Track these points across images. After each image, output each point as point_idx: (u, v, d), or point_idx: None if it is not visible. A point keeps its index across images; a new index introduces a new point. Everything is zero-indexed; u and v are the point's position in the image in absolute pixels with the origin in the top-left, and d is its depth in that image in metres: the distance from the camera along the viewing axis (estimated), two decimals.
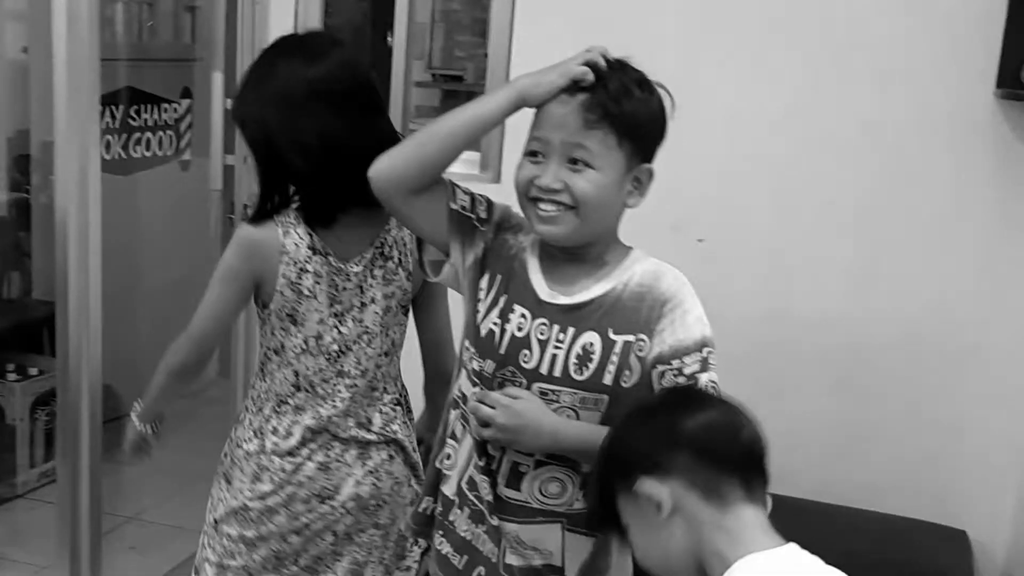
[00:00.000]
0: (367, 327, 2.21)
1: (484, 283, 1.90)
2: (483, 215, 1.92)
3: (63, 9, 2.87)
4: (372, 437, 2.24)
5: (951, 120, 3.14)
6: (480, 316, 1.88)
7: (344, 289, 2.17)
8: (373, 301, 2.20)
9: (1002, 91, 3.00)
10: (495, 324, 1.85)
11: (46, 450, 4.24)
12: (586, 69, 1.75)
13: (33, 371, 4.29)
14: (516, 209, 1.92)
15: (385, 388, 2.28)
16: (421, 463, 2.33)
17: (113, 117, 4.53)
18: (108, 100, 4.45)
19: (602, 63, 1.77)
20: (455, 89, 5.79)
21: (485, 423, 1.80)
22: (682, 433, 1.52)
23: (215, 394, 4.52)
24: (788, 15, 3.22)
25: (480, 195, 1.94)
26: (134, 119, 4.64)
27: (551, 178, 1.75)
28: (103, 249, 3.13)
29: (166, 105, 4.77)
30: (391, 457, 2.28)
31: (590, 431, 1.77)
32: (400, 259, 2.22)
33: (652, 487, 1.48)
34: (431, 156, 1.85)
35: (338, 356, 2.20)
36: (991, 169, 3.14)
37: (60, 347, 3.12)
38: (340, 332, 2.18)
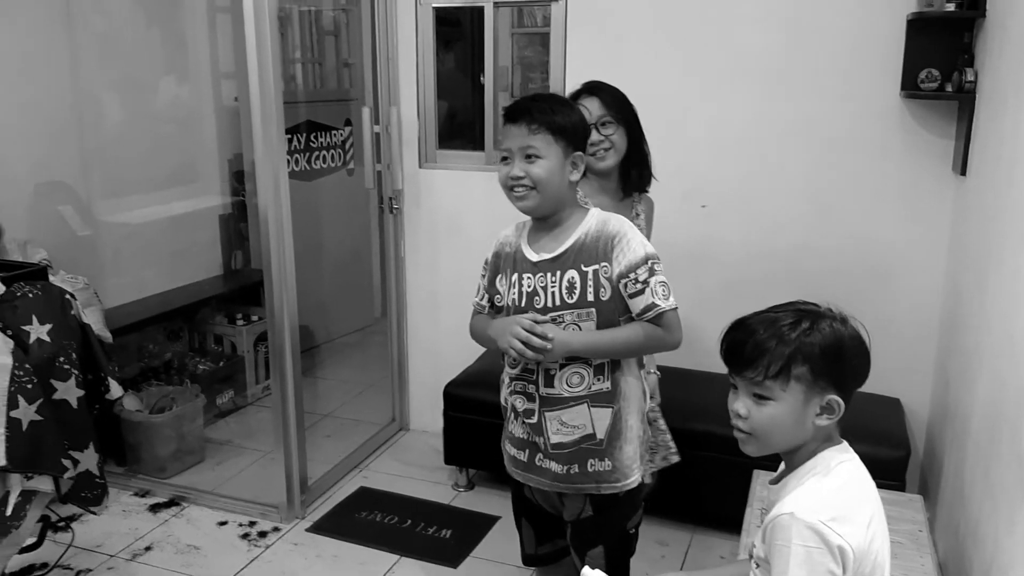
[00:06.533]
0: None
1: (499, 278, 1.99)
2: (485, 277, 2.04)
3: (256, 71, 2.92)
4: None
5: (871, 114, 3.12)
6: (505, 292, 1.97)
7: None
8: None
9: (905, 92, 2.99)
10: (515, 291, 1.94)
11: (265, 371, 4.32)
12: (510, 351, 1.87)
13: (254, 318, 4.37)
14: (502, 240, 2.02)
15: None
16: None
17: (299, 141, 4.60)
18: (295, 130, 4.52)
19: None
20: None
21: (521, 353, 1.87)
22: (863, 376, 1.47)
23: (377, 328, 4.61)
24: (748, 48, 3.22)
25: (484, 270, 2.05)
26: (313, 142, 4.70)
27: (516, 169, 1.86)
28: (296, 231, 3.16)
29: (334, 131, 4.83)
30: None
31: (589, 335, 1.87)
32: None
33: (838, 401, 1.43)
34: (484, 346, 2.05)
35: None
36: (900, 148, 3.11)
37: (267, 300, 3.17)
38: None
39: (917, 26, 2.91)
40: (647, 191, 2.44)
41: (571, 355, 1.88)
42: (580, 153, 1.90)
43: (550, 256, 1.90)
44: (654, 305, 1.84)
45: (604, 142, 2.37)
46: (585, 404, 1.91)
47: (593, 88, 2.38)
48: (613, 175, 2.40)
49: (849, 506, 1.41)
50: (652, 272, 1.85)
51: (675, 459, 2.50)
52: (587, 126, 1.95)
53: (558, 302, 1.88)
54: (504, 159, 1.89)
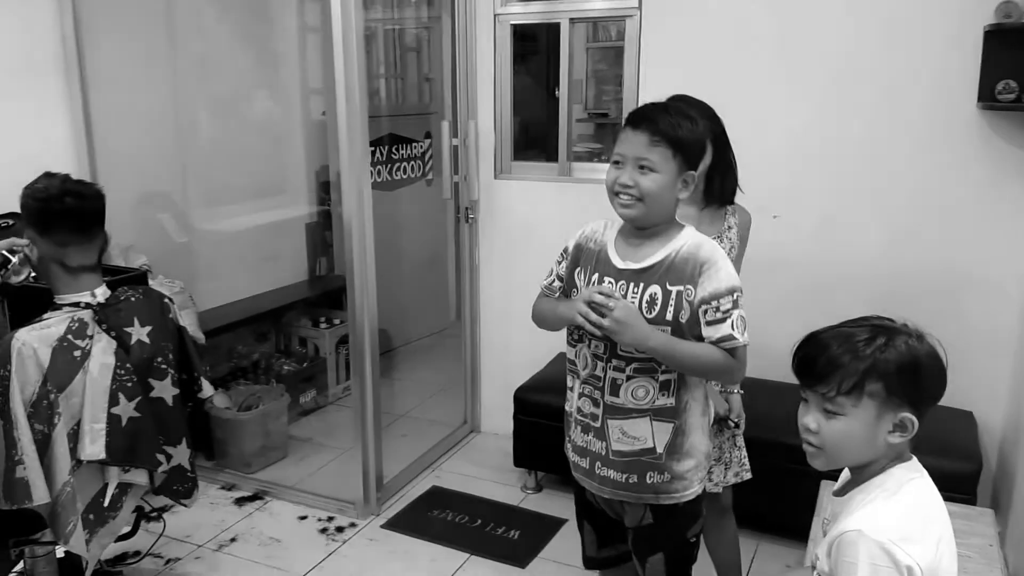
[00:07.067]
0: None
1: (578, 271, 1.92)
2: (562, 264, 1.98)
3: (342, 87, 2.97)
4: None
5: (947, 126, 3.02)
6: (582, 288, 1.90)
7: None
8: None
9: (982, 104, 2.90)
10: None
11: (346, 372, 4.36)
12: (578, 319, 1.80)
13: (336, 321, 4.43)
14: (587, 233, 1.95)
15: None
16: None
17: (382, 153, 4.65)
18: (377, 142, 4.58)
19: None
20: (603, 123, 5.68)
21: (601, 315, 1.76)
22: (939, 394, 1.41)
23: (451, 333, 4.63)
24: (822, 60, 3.15)
25: (561, 256, 1.99)
26: (395, 154, 4.75)
27: (627, 178, 1.79)
28: (377, 239, 3.19)
29: (415, 143, 4.87)
30: None
31: (670, 338, 1.78)
32: None
33: (912, 420, 1.37)
34: (544, 327, 2.01)
35: None
36: (977, 159, 3.01)
37: (349, 305, 3.22)
38: None
39: (995, 37, 2.83)
40: (732, 202, 2.40)
41: (645, 349, 1.79)
42: (693, 172, 1.82)
43: (636, 267, 1.83)
44: (732, 337, 1.77)
45: None
46: (648, 417, 1.86)
47: (678, 101, 2.35)
48: (698, 185, 2.38)
49: (918, 526, 1.37)
50: (735, 305, 1.78)
51: (747, 476, 2.46)
52: (705, 145, 1.87)
53: None
54: (616, 163, 1.81)
